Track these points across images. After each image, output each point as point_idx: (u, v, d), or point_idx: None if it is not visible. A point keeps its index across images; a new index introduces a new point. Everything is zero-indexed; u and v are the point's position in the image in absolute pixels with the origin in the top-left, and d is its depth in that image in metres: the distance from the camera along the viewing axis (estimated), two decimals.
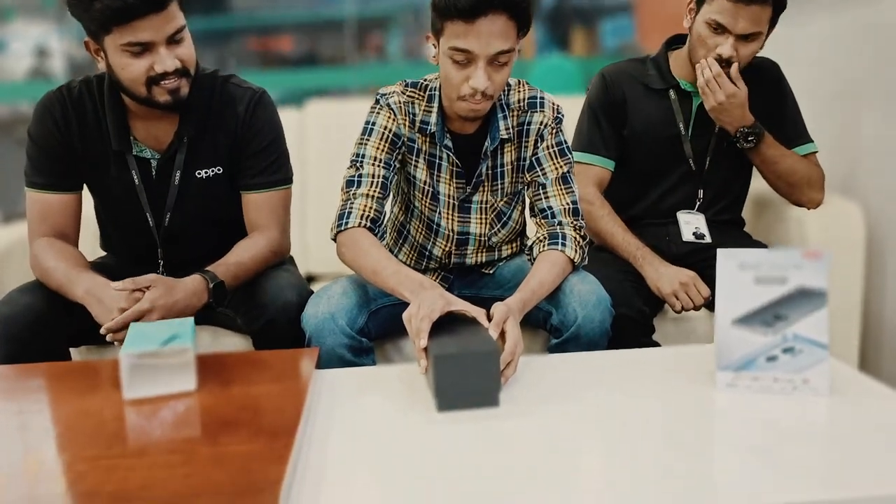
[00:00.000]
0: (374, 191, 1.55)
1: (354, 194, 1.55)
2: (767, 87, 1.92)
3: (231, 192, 1.72)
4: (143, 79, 1.51)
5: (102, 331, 1.43)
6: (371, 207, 1.54)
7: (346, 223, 1.53)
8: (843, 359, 1.73)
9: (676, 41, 1.97)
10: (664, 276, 1.74)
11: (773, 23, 1.78)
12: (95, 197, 1.72)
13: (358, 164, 1.58)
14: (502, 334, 1.29)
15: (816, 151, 1.94)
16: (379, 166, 1.57)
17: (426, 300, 1.30)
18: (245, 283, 1.62)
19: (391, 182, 1.60)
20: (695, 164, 1.91)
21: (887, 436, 1.07)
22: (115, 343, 1.43)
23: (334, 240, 1.56)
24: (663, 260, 1.79)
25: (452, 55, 1.45)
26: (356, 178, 1.57)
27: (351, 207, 1.54)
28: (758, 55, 1.92)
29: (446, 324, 1.29)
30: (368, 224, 1.53)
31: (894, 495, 0.91)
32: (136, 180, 1.64)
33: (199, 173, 1.67)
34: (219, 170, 1.68)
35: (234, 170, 1.69)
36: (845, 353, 1.87)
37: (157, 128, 1.64)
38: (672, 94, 1.92)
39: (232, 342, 1.72)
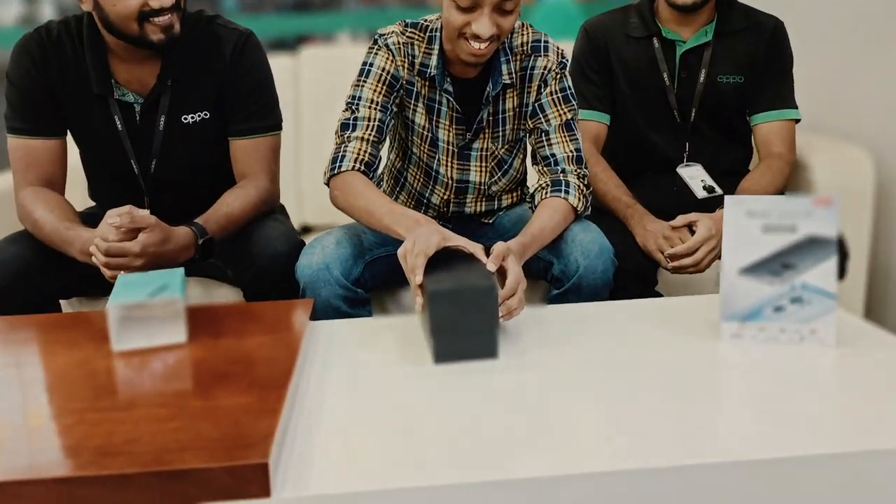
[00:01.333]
0: (370, 134, 1.50)
1: (349, 137, 1.50)
2: (761, 43, 1.83)
3: (220, 139, 1.66)
4: (136, 14, 1.45)
5: (92, 248, 1.37)
6: (366, 151, 1.49)
7: (340, 167, 1.48)
8: (848, 307, 1.71)
9: None
10: (648, 234, 1.67)
11: None
12: (79, 143, 1.67)
13: (353, 107, 1.52)
14: (502, 273, 1.25)
15: (798, 119, 1.84)
16: (375, 109, 1.51)
17: (422, 236, 1.25)
18: (234, 233, 1.57)
19: (388, 126, 1.55)
20: (680, 117, 1.85)
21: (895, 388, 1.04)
22: (94, 262, 1.38)
23: (327, 184, 1.51)
24: (653, 217, 1.72)
25: (457, 0, 1.39)
26: (351, 121, 1.51)
27: (345, 151, 1.49)
28: (766, 13, 1.85)
29: (443, 260, 1.24)
30: (362, 168, 1.48)
31: None
32: (119, 125, 1.59)
33: (186, 118, 1.61)
34: (206, 115, 1.62)
35: (222, 115, 1.64)
36: (851, 302, 1.84)
37: (140, 70, 1.58)
38: (655, 42, 1.84)
39: (223, 294, 1.69)
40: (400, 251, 1.26)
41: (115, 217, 1.36)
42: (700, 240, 1.60)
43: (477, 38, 1.41)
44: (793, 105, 1.85)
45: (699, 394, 1.05)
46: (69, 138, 1.65)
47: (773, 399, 1.01)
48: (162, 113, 1.59)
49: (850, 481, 0.88)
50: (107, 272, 1.38)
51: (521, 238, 1.39)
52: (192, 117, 1.62)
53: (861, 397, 1.02)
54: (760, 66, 1.83)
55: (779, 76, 1.85)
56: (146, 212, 1.40)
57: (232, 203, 1.57)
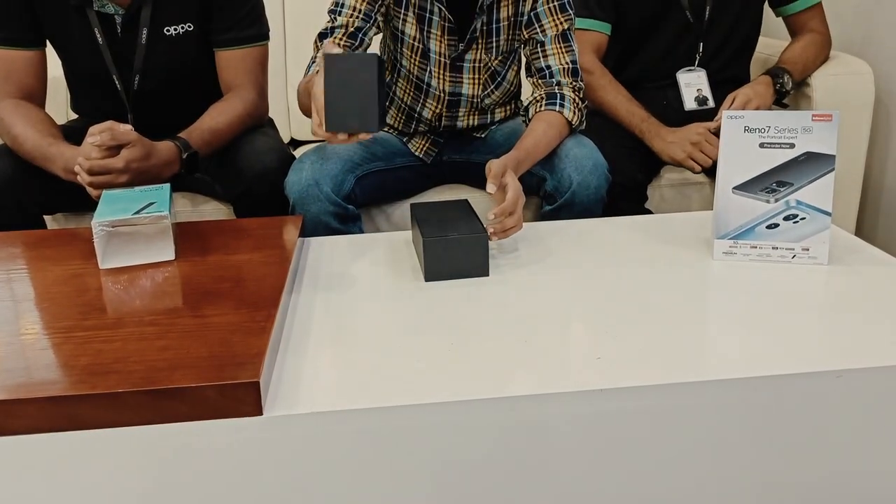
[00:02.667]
0: (342, 40, 1.45)
1: (323, 45, 1.45)
2: None
3: (204, 52, 1.61)
4: None
5: (76, 168, 1.35)
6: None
7: (307, 73, 1.44)
8: (840, 224, 1.70)
9: None
10: (674, 145, 1.67)
11: None
12: (60, 56, 1.61)
13: (334, 15, 1.47)
14: (502, 189, 1.23)
15: (819, 1, 1.83)
16: (356, 17, 1.46)
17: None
18: (221, 148, 1.54)
19: (367, 34, 1.48)
20: (693, 17, 1.80)
21: (888, 305, 1.04)
22: (79, 180, 1.36)
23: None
24: (669, 128, 1.71)
25: None
26: (328, 31, 1.47)
27: (315, 58, 1.45)
28: None
29: (437, 208, 1.26)
30: None
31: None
32: (100, 39, 1.53)
33: (168, 30, 1.56)
34: (189, 26, 1.57)
35: (206, 26, 1.58)
36: (844, 218, 1.83)
37: None
38: None
39: (213, 209, 1.67)
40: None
41: (97, 135, 1.33)
42: (741, 105, 1.66)
43: None
44: None
45: (690, 311, 1.05)
46: (51, 51, 1.59)
47: (764, 317, 1.01)
48: (144, 25, 1.54)
49: (842, 399, 0.89)
50: (92, 191, 1.35)
51: (515, 152, 1.36)
52: (175, 29, 1.56)
53: (852, 315, 1.02)
54: None
55: None
56: (128, 127, 1.36)
57: (217, 117, 1.54)
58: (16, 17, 1.52)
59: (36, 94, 1.57)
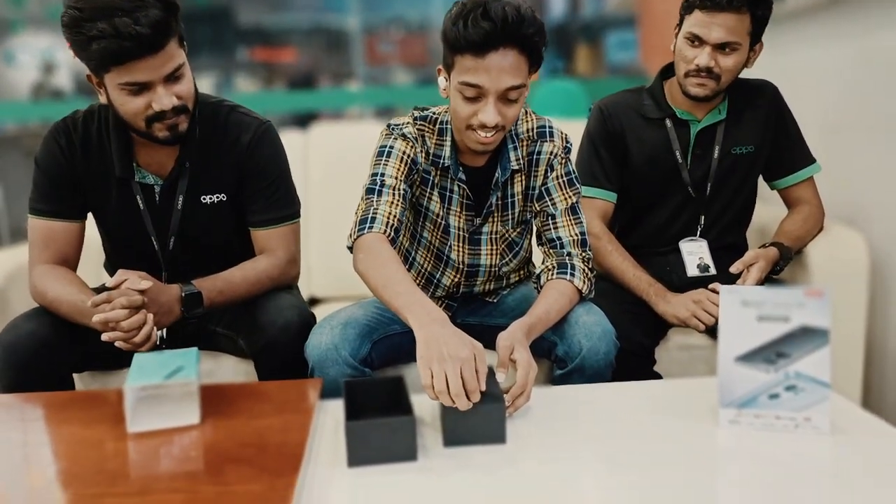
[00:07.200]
0: (398, 200, 1.51)
1: (378, 201, 1.50)
2: (767, 109, 1.92)
3: (235, 220, 1.72)
4: (143, 116, 1.51)
5: (94, 320, 1.42)
6: (394, 216, 1.48)
7: (371, 227, 1.46)
8: (845, 391, 1.73)
9: (671, 70, 1.93)
10: (677, 305, 1.74)
11: (755, 37, 1.79)
12: (101, 223, 1.72)
13: (378, 179, 1.53)
14: (512, 362, 1.30)
15: (819, 170, 1.95)
16: (400, 181, 1.54)
17: (451, 345, 1.21)
18: (238, 301, 1.62)
19: (408, 199, 1.56)
20: (695, 191, 1.91)
21: (889, 476, 1.07)
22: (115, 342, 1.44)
23: (350, 248, 1.49)
24: (672, 292, 1.79)
25: (462, 90, 1.44)
26: (377, 188, 1.52)
27: (375, 213, 1.48)
28: (756, 79, 1.94)
29: None
30: (392, 234, 1.47)
31: None
32: (141, 205, 1.65)
33: (204, 199, 1.67)
34: (223, 197, 1.68)
35: (239, 198, 1.70)
36: (848, 385, 1.86)
37: (160, 154, 1.63)
38: (668, 122, 1.91)
39: (233, 364, 1.72)
40: (423, 360, 1.20)
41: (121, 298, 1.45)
42: (748, 260, 1.77)
43: (484, 126, 1.47)
44: (812, 160, 1.96)
45: (699, 480, 1.09)
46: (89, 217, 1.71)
47: (768, 488, 1.05)
48: (180, 193, 1.65)
49: None
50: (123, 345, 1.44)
51: (528, 319, 1.43)
52: (210, 198, 1.67)
53: (855, 485, 1.05)
54: (771, 132, 1.92)
55: (793, 137, 1.94)
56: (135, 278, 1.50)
57: (235, 271, 1.64)
58: (63, 193, 1.63)
59: (70, 262, 1.66)
